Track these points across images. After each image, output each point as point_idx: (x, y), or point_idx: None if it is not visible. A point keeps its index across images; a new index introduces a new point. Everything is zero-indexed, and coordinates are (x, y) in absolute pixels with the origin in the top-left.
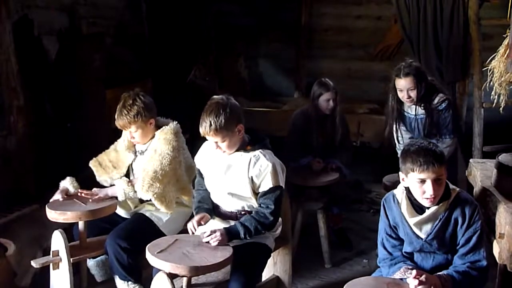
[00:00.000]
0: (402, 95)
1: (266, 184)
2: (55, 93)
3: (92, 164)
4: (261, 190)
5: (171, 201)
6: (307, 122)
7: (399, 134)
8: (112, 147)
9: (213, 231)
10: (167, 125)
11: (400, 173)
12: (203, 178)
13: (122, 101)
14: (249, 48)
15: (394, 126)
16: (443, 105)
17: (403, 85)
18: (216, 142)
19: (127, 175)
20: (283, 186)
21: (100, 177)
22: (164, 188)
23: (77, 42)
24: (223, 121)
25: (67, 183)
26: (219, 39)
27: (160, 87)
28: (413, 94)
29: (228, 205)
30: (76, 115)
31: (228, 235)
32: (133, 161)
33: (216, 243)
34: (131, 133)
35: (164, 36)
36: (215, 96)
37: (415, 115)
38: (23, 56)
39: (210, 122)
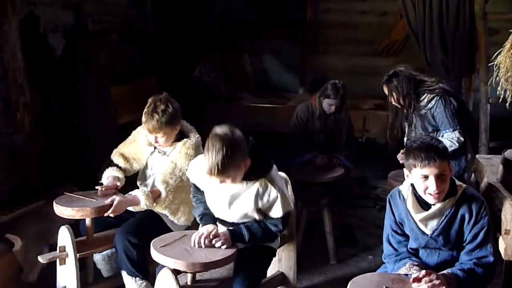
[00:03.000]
0: None
1: (276, 212)
2: (61, 90)
3: (115, 156)
4: (270, 215)
5: (184, 214)
6: (310, 115)
7: (403, 127)
8: (130, 138)
9: (217, 235)
10: (190, 132)
11: (404, 169)
12: (199, 189)
13: (153, 105)
14: (254, 45)
15: (398, 122)
16: (433, 102)
17: (385, 92)
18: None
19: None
20: (292, 207)
21: (124, 166)
22: (180, 203)
23: (83, 39)
24: (228, 161)
25: (114, 172)
26: (224, 35)
27: (165, 84)
28: (392, 100)
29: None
30: (82, 112)
31: (232, 237)
32: (151, 154)
33: (221, 246)
34: (156, 138)
35: (169, 32)
36: (217, 130)
37: None
38: (30, 53)
39: (216, 164)
